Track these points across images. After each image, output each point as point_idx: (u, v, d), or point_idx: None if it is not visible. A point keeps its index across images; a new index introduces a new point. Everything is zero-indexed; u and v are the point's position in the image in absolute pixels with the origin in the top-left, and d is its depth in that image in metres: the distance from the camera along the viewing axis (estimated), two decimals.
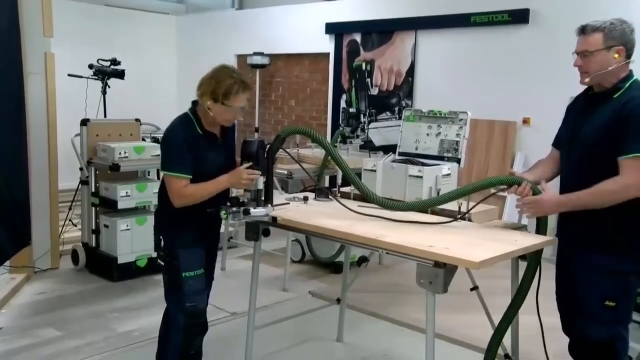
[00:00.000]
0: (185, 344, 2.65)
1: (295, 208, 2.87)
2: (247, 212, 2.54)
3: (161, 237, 2.66)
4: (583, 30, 2.29)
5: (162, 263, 2.66)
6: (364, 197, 2.78)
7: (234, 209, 2.53)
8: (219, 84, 2.47)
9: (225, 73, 2.51)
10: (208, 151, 2.58)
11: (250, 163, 2.56)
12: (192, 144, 2.52)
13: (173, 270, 2.61)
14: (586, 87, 2.39)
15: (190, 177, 2.51)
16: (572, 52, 2.34)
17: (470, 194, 2.58)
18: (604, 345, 2.27)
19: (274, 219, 2.65)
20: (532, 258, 2.43)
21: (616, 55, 2.22)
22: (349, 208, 2.74)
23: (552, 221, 5.70)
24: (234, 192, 2.92)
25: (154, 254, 4.50)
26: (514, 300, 2.48)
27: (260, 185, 2.59)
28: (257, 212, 2.57)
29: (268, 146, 2.67)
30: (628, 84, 2.25)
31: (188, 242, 2.62)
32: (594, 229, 2.30)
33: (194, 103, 2.62)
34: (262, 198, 2.62)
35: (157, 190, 4.60)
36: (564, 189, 2.37)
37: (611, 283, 2.24)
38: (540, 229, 2.46)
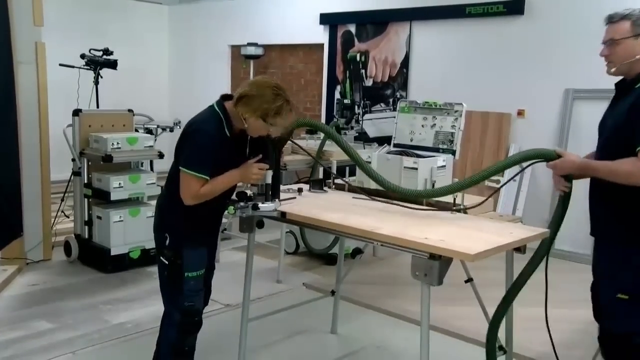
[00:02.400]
0: (179, 341, 2.62)
1: (301, 202, 2.84)
2: (255, 208, 2.50)
3: (167, 236, 2.56)
4: (610, 19, 2.24)
5: (166, 262, 2.58)
6: (385, 188, 2.72)
7: (242, 204, 2.48)
8: (269, 103, 2.36)
9: (274, 92, 2.39)
10: (230, 155, 2.50)
11: (260, 156, 2.52)
12: (219, 147, 2.44)
13: (176, 270, 2.55)
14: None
15: (208, 178, 2.44)
16: (601, 42, 2.28)
17: (505, 170, 2.51)
18: (623, 338, 2.24)
19: (283, 214, 2.62)
20: (541, 251, 2.40)
21: None
22: (369, 196, 2.71)
23: (546, 212, 5.68)
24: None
25: (148, 246, 4.58)
26: (508, 292, 2.48)
27: (269, 180, 2.54)
28: (265, 207, 2.53)
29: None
30: None
31: (195, 242, 2.57)
32: (608, 221, 2.28)
33: (224, 98, 2.52)
34: (270, 192, 2.57)
35: (150, 182, 4.68)
36: (593, 179, 2.34)
37: (624, 276, 2.21)
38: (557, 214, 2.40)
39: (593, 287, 2.42)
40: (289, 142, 2.80)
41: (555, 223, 2.42)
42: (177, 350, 2.63)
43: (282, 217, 2.63)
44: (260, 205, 2.51)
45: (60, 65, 5.70)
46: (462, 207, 2.69)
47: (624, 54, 2.20)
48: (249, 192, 2.58)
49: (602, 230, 2.32)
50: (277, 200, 2.61)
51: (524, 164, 2.51)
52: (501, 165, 2.50)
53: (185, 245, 2.54)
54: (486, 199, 2.71)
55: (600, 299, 2.32)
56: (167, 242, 2.56)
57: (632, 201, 2.19)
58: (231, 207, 2.47)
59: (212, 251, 2.79)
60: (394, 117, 3.31)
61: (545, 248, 2.42)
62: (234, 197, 2.56)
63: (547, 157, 2.35)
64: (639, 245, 2.20)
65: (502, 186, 2.93)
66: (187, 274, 2.54)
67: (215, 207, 2.56)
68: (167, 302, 2.66)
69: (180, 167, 2.44)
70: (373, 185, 2.93)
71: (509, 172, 2.59)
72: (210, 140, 2.42)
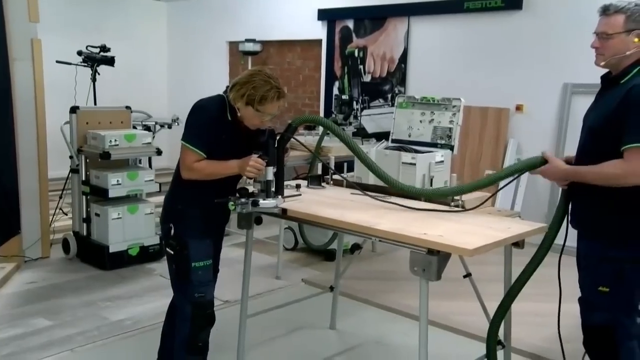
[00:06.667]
0: (193, 336, 2.60)
1: (299, 198, 2.82)
2: (255, 204, 2.48)
3: (171, 226, 2.58)
4: (605, 11, 2.21)
5: (172, 252, 2.59)
6: (386, 183, 2.73)
7: (243, 200, 2.47)
8: (256, 89, 2.43)
9: (262, 78, 2.46)
10: (229, 140, 2.54)
11: (261, 153, 2.50)
12: (217, 126, 2.50)
13: (183, 260, 2.56)
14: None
15: (205, 156, 2.48)
16: (593, 32, 2.26)
17: (499, 182, 2.57)
18: (603, 331, 2.27)
19: (284, 211, 2.60)
20: (543, 248, 2.41)
21: (636, 40, 2.15)
22: (370, 196, 2.71)
23: (544, 207, 5.68)
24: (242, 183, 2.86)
25: (147, 243, 4.58)
26: (511, 288, 2.47)
27: (270, 176, 2.52)
28: (266, 203, 2.50)
29: (279, 136, 2.62)
30: (636, 70, 2.18)
31: (198, 232, 2.57)
32: (587, 216, 2.30)
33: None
34: (272, 189, 2.56)
35: (148, 179, 4.68)
36: None
37: (604, 269, 2.23)
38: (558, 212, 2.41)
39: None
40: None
41: (558, 218, 2.40)
42: (190, 346, 2.61)
43: (283, 213, 2.62)
44: (260, 201, 2.50)
45: (57, 62, 5.68)
46: (460, 202, 2.69)
47: (615, 49, 2.18)
48: (250, 189, 2.57)
49: (582, 223, 2.33)
50: (279, 197, 2.59)
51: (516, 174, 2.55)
52: (494, 178, 2.54)
53: (189, 235, 2.55)
54: (484, 201, 2.69)
55: (582, 291, 2.33)
56: (172, 232, 2.58)
57: (611, 195, 2.19)
58: (231, 204, 2.46)
59: (216, 247, 2.75)
60: (392, 112, 3.30)
61: (547, 242, 2.40)
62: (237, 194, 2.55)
63: (534, 166, 2.37)
64: (618, 238, 2.21)
65: (499, 190, 2.89)
66: (194, 264, 2.55)
67: (219, 196, 2.55)
68: (178, 296, 2.66)
69: (181, 141, 2.51)
70: (371, 180, 2.93)
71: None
72: (208, 117, 2.50)
